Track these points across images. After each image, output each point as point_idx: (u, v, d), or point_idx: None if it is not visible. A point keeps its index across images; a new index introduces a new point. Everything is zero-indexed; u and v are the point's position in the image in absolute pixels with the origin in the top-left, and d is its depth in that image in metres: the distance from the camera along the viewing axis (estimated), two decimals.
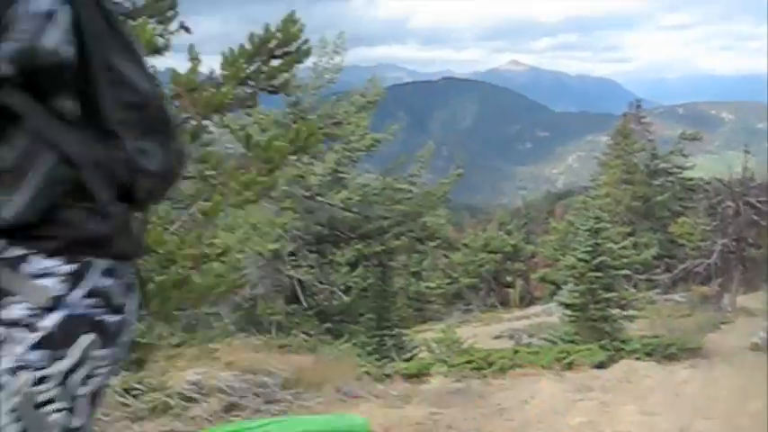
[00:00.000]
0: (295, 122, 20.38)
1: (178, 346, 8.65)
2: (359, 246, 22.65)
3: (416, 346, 21.10)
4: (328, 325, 21.60)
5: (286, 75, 8.24)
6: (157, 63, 7.81)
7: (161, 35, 7.48)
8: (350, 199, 21.30)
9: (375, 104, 22.43)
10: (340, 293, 23.13)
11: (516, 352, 16.02)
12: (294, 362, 9.27)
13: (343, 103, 22.28)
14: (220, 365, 7.97)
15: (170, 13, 8.41)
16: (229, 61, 7.43)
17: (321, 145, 17.75)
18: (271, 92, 8.27)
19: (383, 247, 22.60)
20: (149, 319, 8.35)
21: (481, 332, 27.64)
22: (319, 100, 22.09)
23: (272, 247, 19.57)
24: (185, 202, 8.02)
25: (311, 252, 22.09)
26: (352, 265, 24.21)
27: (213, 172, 7.27)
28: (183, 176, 6.82)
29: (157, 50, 7.33)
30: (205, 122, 7.94)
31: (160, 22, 8.18)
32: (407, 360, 18.07)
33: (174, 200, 8.24)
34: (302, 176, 19.40)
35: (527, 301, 43.76)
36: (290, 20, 8.21)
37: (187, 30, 8.07)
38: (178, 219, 7.77)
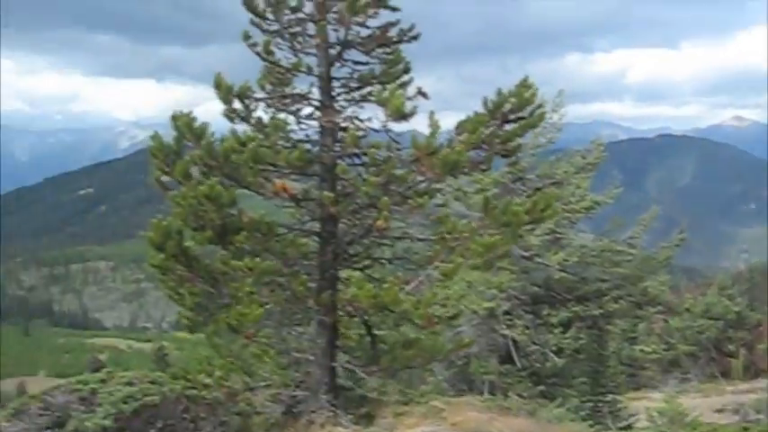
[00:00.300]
0: (514, 182, 20.46)
1: (406, 404, 8.77)
2: (576, 308, 22.04)
3: (633, 414, 20.17)
4: (541, 387, 21.08)
5: (520, 139, 8.29)
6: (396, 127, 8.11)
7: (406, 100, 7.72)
8: (567, 260, 20.83)
9: (596, 167, 21.95)
10: (552, 355, 22.56)
11: (746, 429, 15.04)
12: (515, 425, 9.16)
13: (562, 163, 21.96)
14: (447, 425, 8.00)
15: (405, 78, 8.72)
16: (469, 127, 7.56)
17: None
18: (504, 155, 8.34)
19: (600, 311, 21.86)
20: (379, 375, 8.56)
21: (702, 404, 26.04)
22: (538, 159, 21.89)
23: (487, 305, 19.48)
24: (419, 263, 8.21)
25: (526, 312, 21.74)
26: (564, 327, 23.61)
27: (449, 235, 7.39)
28: (419, 238, 7.00)
29: (404, 116, 7.59)
30: (439, 185, 8.13)
31: (397, 87, 8.49)
32: (624, 429, 17.34)
33: (408, 260, 8.46)
34: (521, 236, 19.25)
35: (752, 372, 40.72)
36: (524, 84, 8.26)
37: (424, 95, 8.31)
38: (413, 279, 7.94)
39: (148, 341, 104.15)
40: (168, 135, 8.23)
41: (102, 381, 8.85)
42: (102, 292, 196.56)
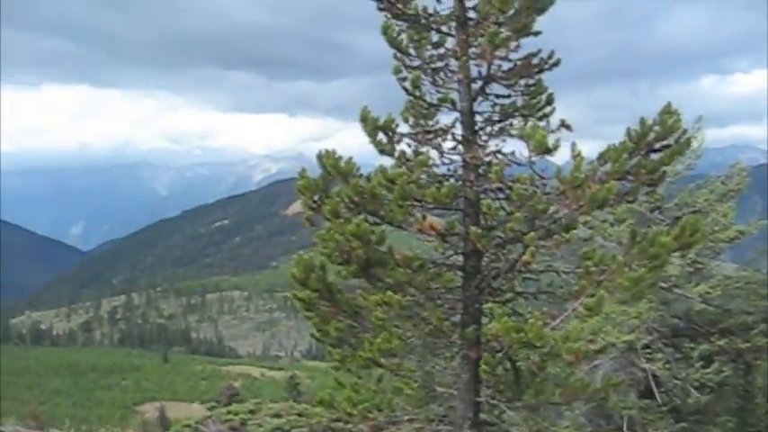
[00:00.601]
0: (652, 212, 19.88)
1: None
2: (720, 342, 21.10)
3: None
4: (683, 424, 20.26)
5: (666, 168, 8.07)
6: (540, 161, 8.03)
7: (548, 133, 7.65)
8: (709, 293, 20.00)
9: (738, 193, 21.02)
10: (693, 390, 21.63)
11: None
12: None
13: (702, 191, 21.16)
14: None
15: (548, 109, 8.65)
16: (613, 157, 7.43)
17: None
18: (649, 185, 8.13)
19: (747, 345, 20.84)
20: (523, 410, 8.46)
21: None
22: (676, 187, 21.17)
23: (626, 338, 18.94)
24: (563, 296, 8.08)
25: (666, 345, 20.97)
26: (706, 361, 22.63)
27: (596, 268, 7.26)
28: (565, 272, 6.87)
29: (548, 151, 7.52)
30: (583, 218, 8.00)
31: (540, 119, 8.45)
32: None
33: (552, 295, 8.35)
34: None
35: None
36: (667, 111, 8.05)
37: (568, 128, 8.22)
38: (558, 313, 7.83)
39: (281, 369, 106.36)
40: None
41: (251, 411, 9.12)
42: (236, 322, 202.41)
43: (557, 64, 8.65)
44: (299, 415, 8.85)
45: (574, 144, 7.75)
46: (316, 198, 8.11)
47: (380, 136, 8.61)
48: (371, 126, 8.50)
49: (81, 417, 67.43)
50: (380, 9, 8.80)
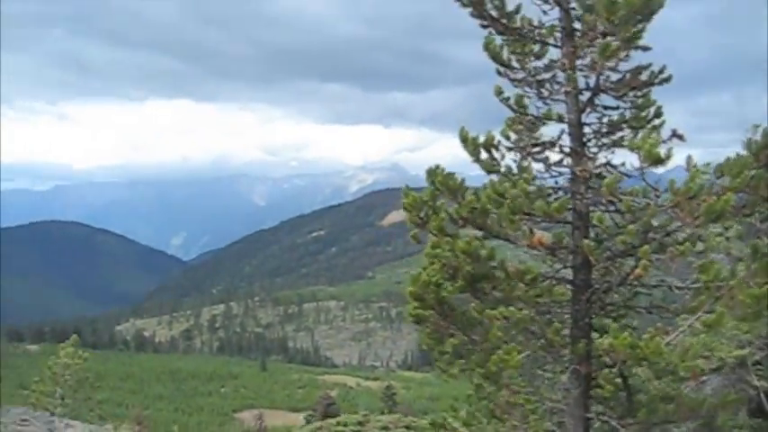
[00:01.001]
0: (762, 222, 19.14)
1: None
2: None
3: None
4: None
5: None
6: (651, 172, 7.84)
7: (658, 144, 7.45)
8: None
9: None
10: None
11: None
12: None
13: None
14: None
15: (657, 122, 8.44)
16: (732, 171, 7.19)
17: None
18: (767, 198, 7.84)
19: None
20: (635, 428, 8.27)
21: None
22: None
23: (737, 353, 18.28)
24: (677, 312, 7.87)
25: None
26: None
27: (713, 283, 7.04)
28: (678, 287, 6.65)
29: (659, 161, 7.32)
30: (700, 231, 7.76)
31: (652, 131, 8.24)
32: None
33: (665, 310, 8.13)
34: None
35: None
36: None
37: (680, 137, 8.02)
38: (672, 328, 7.64)
39: (376, 379, 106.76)
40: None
41: (360, 423, 9.17)
42: (332, 331, 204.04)
43: (667, 80, 8.41)
44: (407, 428, 8.85)
45: (689, 157, 7.53)
46: (422, 215, 8.10)
47: (483, 154, 8.55)
48: (472, 146, 8.45)
49: (182, 422, 69.20)
50: (484, 27, 8.74)
